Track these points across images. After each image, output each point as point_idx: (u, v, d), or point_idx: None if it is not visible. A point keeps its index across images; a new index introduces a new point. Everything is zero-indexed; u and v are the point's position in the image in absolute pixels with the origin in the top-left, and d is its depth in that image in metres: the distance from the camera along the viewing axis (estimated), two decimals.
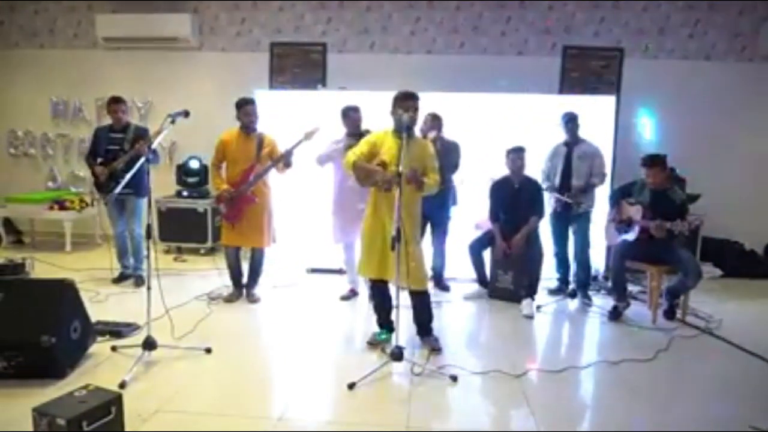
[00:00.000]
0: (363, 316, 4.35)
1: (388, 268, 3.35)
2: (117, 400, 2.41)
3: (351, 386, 2.95)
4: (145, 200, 4.76)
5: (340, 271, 5.16)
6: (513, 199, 4.61)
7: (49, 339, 2.85)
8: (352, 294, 4.71)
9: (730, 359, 3.60)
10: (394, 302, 3.30)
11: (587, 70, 6.07)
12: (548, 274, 4.89)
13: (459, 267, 5.05)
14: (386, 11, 6.24)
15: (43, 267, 5.15)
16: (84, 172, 6.66)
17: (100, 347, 3.35)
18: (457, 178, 4.92)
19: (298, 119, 4.93)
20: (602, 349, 3.83)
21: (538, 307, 4.45)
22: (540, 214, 4.61)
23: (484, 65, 6.02)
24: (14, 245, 6.42)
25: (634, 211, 4.28)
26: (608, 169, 4.93)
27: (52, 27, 6.67)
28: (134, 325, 3.70)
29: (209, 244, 6.06)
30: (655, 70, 5.96)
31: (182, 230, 6.07)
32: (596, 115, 5.17)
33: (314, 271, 5.47)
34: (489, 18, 6.14)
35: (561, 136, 4.81)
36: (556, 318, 4.45)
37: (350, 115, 4.41)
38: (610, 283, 4.67)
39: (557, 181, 4.75)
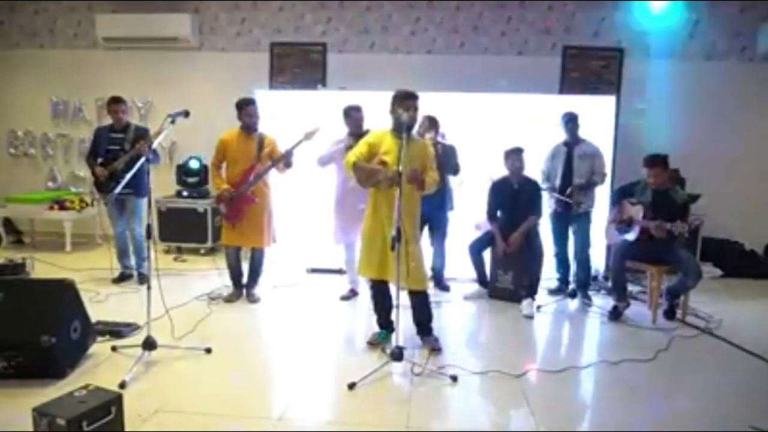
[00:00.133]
0: (363, 316, 4.35)
1: (388, 268, 3.34)
2: (117, 400, 2.41)
3: (351, 386, 2.95)
4: (145, 200, 4.76)
5: (340, 271, 5.16)
6: (512, 200, 4.61)
7: (49, 339, 2.85)
8: (352, 294, 4.71)
9: (730, 359, 3.60)
10: (394, 302, 3.30)
11: (587, 70, 6.07)
12: (548, 274, 4.88)
13: (459, 267, 5.05)
14: (386, 11, 6.24)
15: (43, 267, 5.16)
16: (84, 172, 6.67)
17: (100, 347, 3.35)
18: (456, 179, 4.93)
19: (298, 119, 4.93)
20: (602, 349, 3.83)
21: (538, 307, 4.45)
22: (538, 214, 4.61)
23: (484, 65, 6.02)
24: (14, 245, 6.42)
25: (635, 211, 4.28)
26: (608, 169, 4.93)
27: (52, 27, 6.67)
28: (134, 325, 3.70)
29: (209, 244, 6.06)
30: (655, 70, 5.96)
31: (182, 230, 6.07)
32: (596, 115, 5.17)
33: (314, 271, 5.47)
34: (489, 18, 6.14)
35: (561, 136, 4.81)
36: (556, 318, 4.45)
37: (352, 115, 4.41)
38: (610, 283, 4.67)
39: (558, 181, 4.74)
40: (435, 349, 3.48)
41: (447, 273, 5.03)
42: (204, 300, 4.46)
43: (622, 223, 4.42)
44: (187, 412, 2.69)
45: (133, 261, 5.03)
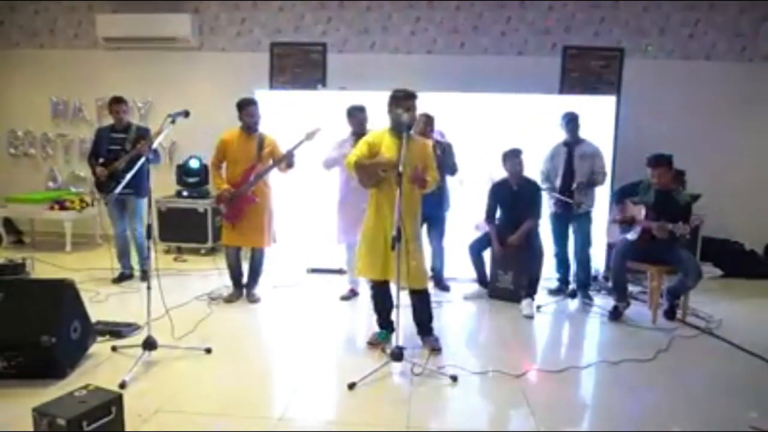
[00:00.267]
0: (363, 316, 4.35)
1: (390, 268, 3.32)
2: (117, 400, 2.41)
3: (351, 386, 2.95)
4: (145, 200, 4.77)
5: (340, 271, 5.16)
6: (512, 201, 4.61)
7: (49, 339, 2.86)
8: (352, 294, 4.71)
9: (730, 359, 3.60)
10: (394, 302, 3.30)
11: (587, 70, 6.07)
12: (548, 274, 4.89)
13: (459, 267, 5.06)
14: (386, 11, 6.24)
15: (43, 267, 5.16)
16: (84, 172, 6.68)
17: (100, 347, 3.35)
18: (456, 179, 4.93)
19: (299, 119, 4.94)
20: (602, 349, 3.83)
21: (538, 307, 4.45)
22: (537, 216, 4.61)
23: (484, 65, 6.02)
24: (14, 245, 6.42)
25: (638, 211, 4.28)
26: (608, 169, 4.93)
27: (53, 27, 6.67)
28: (134, 325, 3.70)
29: (209, 244, 6.06)
30: (655, 70, 5.96)
31: (182, 230, 6.07)
32: (596, 115, 5.17)
33: (314, 271, 5.47)
34: (489, 18, 6.14)
35: (561, 136, 4.81)
36: (556, 318, 4.45)
37: (356, 115, 4.41)
38: (610, 283, 4.67)
39: (558, 182, 4.74)
40: (435, 349, 3.48)
41: (447, 273, 5.03)
42: (204, 300, 4.46)
43: (623, 223, 4.42)
44: (187, 412, 2.69)
45: (134, 260, 5.03)
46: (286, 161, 4.30)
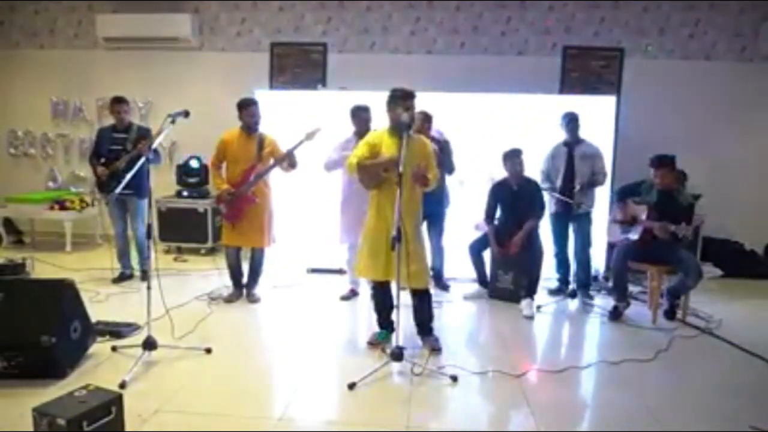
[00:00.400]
0: (363, 316, 4.35)
1: (392, 269, 3.29)
2: (117, 400, 2.41)
3: (351, 386, 2.95)
4: (146, 201, 4.77)
5: (340, 271, 5.17)
6: (512, 201, 4.61)
7: (49, 339, 2.85)
8: (353, 294, 4.71)
9: (730, 359, 3.60)
10: (394, 302, 3.29)
11: (587, 70, 6.07)
12: (548, 274, 4.89)
13: (459, 267, 5.05)
14: (386, 11, 6.24)
15: (43, 267, 5.16)
16: (84, 172, 6.69)
17: (100, 347, 3.35)
18: (456, 179, 4.92)
19: (299, 119, 4.94)
20: (602, 349, 3.83)
21: (539, 307, 4.45)
22: (539, 215, 4.61)
23: (484, 65, 6.03)
24: (14, 245, 6.42)
25: (639, 211, 4.28)
26: (608, 169, 4.93)
27: (53, 27, 6.67)
28: (134, 325, 3.70)
29: (209, 244, 6.06)
30: (655, 70, 5.96)
31: (182, 230, 6.07)
32: (596, 115, 5.17)
33: (314, 271, 5.47)
34: (489, 18, 6.14)
35: (561, 136, 4.81)
36: (556, 318, 4.45)
37: (360, 115, 4.40)
38: (610, 283, 4.67)
39: (559, 182, 4.74)
40: (435, 349, 3.48)
41: (447, 273, 5.03)
42: (204, 300, 4.46)
43: (624, 223, 4.42)
44: (187, 412, 2.69)
45: (134, 260, 5.03)
46: (288, 161, 4.30)
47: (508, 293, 4.67)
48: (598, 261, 5.21)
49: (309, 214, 5.40)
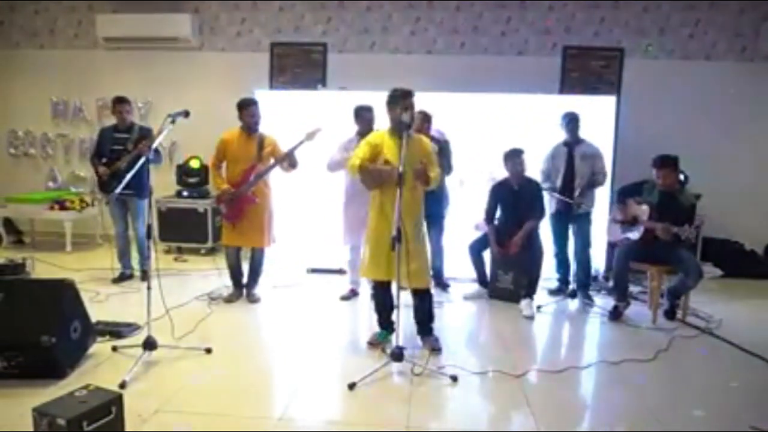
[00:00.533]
0: (363, 316, 4.35)
1: (394, 269, 3.27)
2: (117, 400, 2.41)
3: (351, 386, 2.95)
4: (146, 201, 4.76)
5: (340, 271, 5.17)
6: (513, 201, 4.60)
7: (49, 339, 2.85)
8: (353, 294, 4.71)
9: (730, 359, 3.60)
10: (395, 302, 3.29)
11: (587, 70, 6.07)
12: (548, 274, 4.89)
13: (459, 267, 5.05)
14: (386, 11, 6.24)
15: (43, 267, 5.16)
16: (84, 172, 6.70)
17: (100, 347, 3.35)
18: (456, 179, 4.92)
19: (299, 119, 4.94)
20: (602, 349, 3.83)
21: (538, 307, 4.45)
22: (540, 215, 4.61)
23: (484, 65, 6.03)
24: (14, 245, 6.42)
25: (641, 211, 4.28)
26: (608, 169, 4.93)
27: (53, 27, 6.67)
28: (134, 325, 3.70)
29: (209, 244, 6.06)
30: (655, 70, 5.96)
31: (182, 230, 6.07)
32: (596, 115, 5.17)
33: (314, 271, 5.47)
34: (489, 18, 6.14)
35: (561, 136, 4.81)
36: (556, 318, 4.45)
37: (363, 115, 4.40)
38: (610, 283, 4.67)
39: (559, 182, 4.74)
40: (435, 349, 3.48)
41: (447, 273, 5.03)
42: (204, 300, 4.46)
43: (624, 223, 4.42)
44: (187, 412, 2.69)
45: (134, 260, 5.03)
46: (288, 161, 4.30)
47: (508, 293, 4.67)
48: (598, 261, 5.21)
49: (309, 214, 5.40)
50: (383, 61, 6.19)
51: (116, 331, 3.59)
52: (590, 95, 5.70)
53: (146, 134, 4.75)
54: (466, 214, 5.08)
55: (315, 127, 4.26)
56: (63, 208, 6.13)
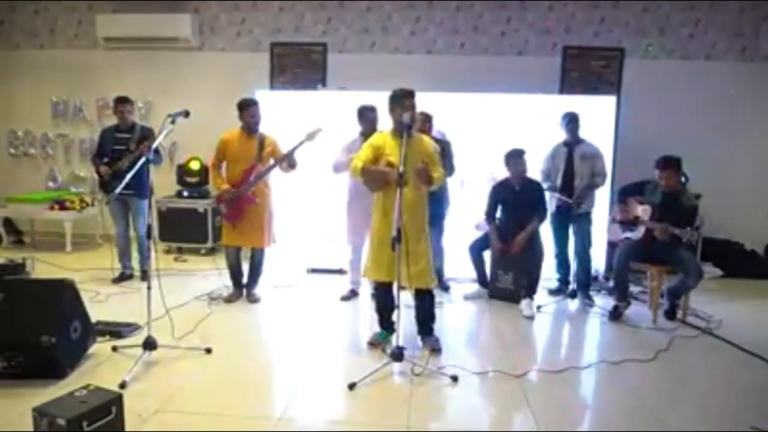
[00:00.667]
0: (363, 316, 4.35)
1: (396, 269, 3.31)
2: (117, 400, 2.41)
3: (351, 386, 2.95)
4: (147, 201, 4.77)
5: (340, 271, 5.16)
6: (514, 201, 4.60)
7: (49, 339, 2.85)
8: (353, 294, 4.71)
9: (730, 359, 3.60)
10: (396, 303, 3.29)
11: (587, 70, 6.07)
12: (548, 274, 4.88)
13: (459, 267, 5.05)
14: (386, 11, 6.24)
15: (43, 267, 5.16)
16: (84, 172, 6.70)
17: (100, 347, 3.35)
18: (457, 179, 4.91)
19: (299, 119, 4.94)
20: (602, 349, 3.83)
21: (539, 307, 4.45)
22: (542, 216, 4.61)
23: (484, 65, 6.03)
24: (14, 245, 6.42)
25: (642, 211, 4.28)
26: (608, 170, 4.93)
27: (53, 27, 6.67)
28: (134, 325, 3.70)
29: (209, 244, 6.06)
30: (655, 70, 5.96)
31: (182, 230, 6.07)
32: (596, 115, 5.17)
33: (314, 271, 5.47)
34: (489, 18, 6.14)
35: (561, 136, 4.81)
36: (556, 318, 4.45)
37: (366, 115, 4.39)
38: (610, 283, 4.67)
39: (559, 182, 4.74)
40: (435, 349, 3.48)
41: (447, 273, 5.02)
42: (204, 300, 4.46)
43: (625, 223, 4.42)
44: (187, 412, 2.69)
45: (134, 260, 5.03)
46: (287, 161, 4.30)
47: (508, 293, 4.67)
48: (598, 261, 5.21)
49: (309, 214, 5.40)
50: (383, 61, 6.19)
51: (116, 331, 3.59)
52: (590, 95, 5.70)
53: (148, 134, 4.75)
54: (466, 214, 5.08)
55: (315, 127, 4.26)
56: (63, 208, 6.14)
